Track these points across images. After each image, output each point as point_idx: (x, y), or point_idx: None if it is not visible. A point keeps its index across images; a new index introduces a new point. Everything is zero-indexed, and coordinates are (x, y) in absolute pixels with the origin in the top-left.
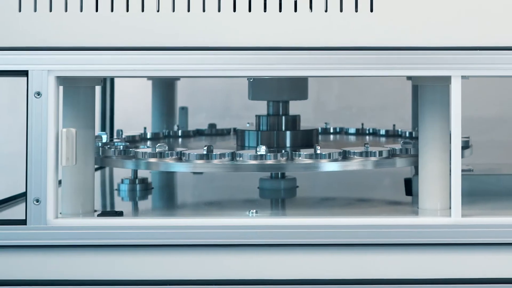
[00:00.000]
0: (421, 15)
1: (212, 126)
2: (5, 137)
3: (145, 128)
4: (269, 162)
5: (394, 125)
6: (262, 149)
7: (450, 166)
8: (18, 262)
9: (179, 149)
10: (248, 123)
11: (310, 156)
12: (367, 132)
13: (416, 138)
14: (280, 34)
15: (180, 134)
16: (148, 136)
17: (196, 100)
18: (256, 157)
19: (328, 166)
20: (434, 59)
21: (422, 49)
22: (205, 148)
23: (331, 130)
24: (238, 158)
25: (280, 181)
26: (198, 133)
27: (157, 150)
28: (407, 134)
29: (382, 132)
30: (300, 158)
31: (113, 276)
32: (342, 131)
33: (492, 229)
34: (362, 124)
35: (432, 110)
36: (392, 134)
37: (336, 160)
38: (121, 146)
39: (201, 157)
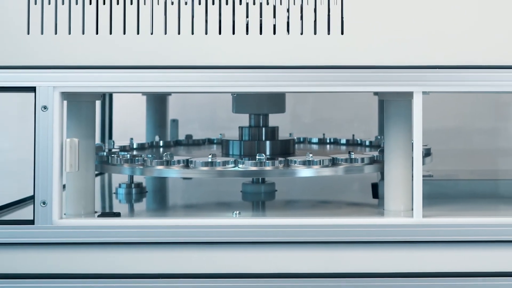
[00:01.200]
0: (386, 37)
1: (188, 136)
2: (14, 145)
3: (131, 139)
4: (269, 168)
5: (353, 135)
6: (263, 157)
7: (412, 172)
8: (26, 258)
9: (184, 157)
10: (220, 134)
11: (304, 163)
12: (329, 141)
13: (377, 146)
14: (261, 55)
15: (161, 144)
16: (135, 146)
17: (186, 113)
18: (256, 164)
19: (323, 171)
20: (398, 76)
21: (387, 67)
22: (210, 156)
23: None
24: (240, 165)
25: (261, 185)
26: (177, 143)
27: (164, 158)
28: (367, 143)
29: (343, 141)
30: (296, 164)
31: (111, 270)
32: (306, 141)
33: (450, 229)
34: (324, 134)
35: (396, 122)
36: (352, 143)
37: (327, 166)
38: (128, 155)
39: (206, 164)
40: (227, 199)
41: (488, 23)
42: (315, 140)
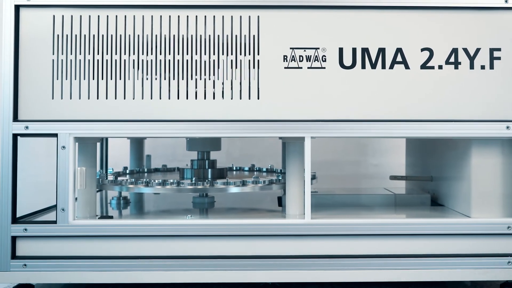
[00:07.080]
0: (287, 101)
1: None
2: (42, 171)
3: (101, 169)
4: (210, 187)
5: (258, 165)
6: (255, 179)
7: (304, 189)
8: (51, 246)
9: (155, 180)
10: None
11: (233, 183)
12: (249, 169)
13: (281, 172)
14: (205, 112)
15: (139, 171)
16: (122, 172)
17: (156, 151)
18: (202, 184)
19: (246, 188)
20: (294, 126)
21: (287, 121)
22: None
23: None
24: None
25: (205, 198)
26: (150, 171)
27: (141, 180)
28: (274, 169)
29: (258, 168)
30: (228, 185)
31: (107, 253)
32: (232, 169)
33: (329, 226)
34: (232, 165)
35: (294, 156)
36: (264, 170)
37: (248, 185)
38: (118, 178)
39: (178, 184)
40: (183, 207)
41: (353, 93)
42: (241, 168)
